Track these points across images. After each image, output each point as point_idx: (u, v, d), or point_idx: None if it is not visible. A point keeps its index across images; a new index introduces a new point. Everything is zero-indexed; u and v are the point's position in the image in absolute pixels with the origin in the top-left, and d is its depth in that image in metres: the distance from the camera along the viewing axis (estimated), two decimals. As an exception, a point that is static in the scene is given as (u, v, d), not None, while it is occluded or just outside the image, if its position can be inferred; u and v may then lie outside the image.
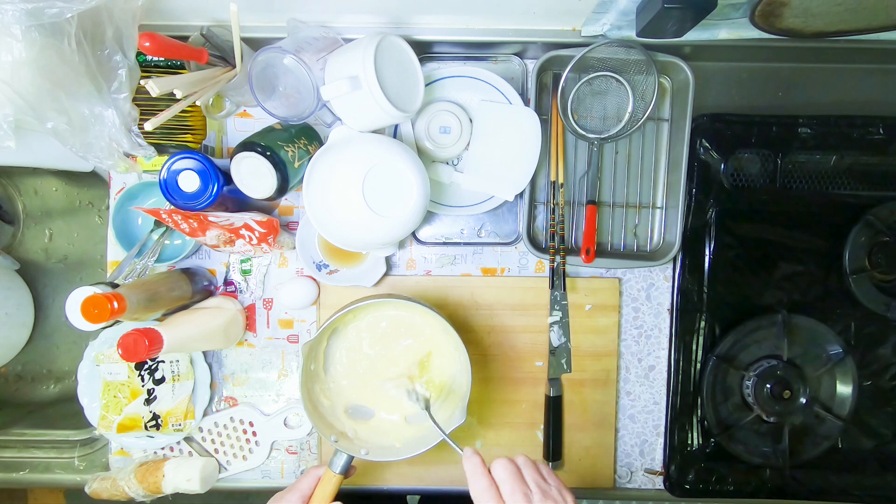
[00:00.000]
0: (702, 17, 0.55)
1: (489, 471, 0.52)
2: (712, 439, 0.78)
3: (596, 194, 0.76)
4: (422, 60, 0.67)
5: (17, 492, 1.57)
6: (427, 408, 0.67)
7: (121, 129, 0.63)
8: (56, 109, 0.59)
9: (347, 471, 0.64)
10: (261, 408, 0.80)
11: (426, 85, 0.70)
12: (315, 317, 0.79)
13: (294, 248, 0.76)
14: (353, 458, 0.64)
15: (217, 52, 0.68)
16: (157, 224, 0.74)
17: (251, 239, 0.70)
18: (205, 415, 0.78)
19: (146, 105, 0.65)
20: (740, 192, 0.76)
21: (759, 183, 0.76)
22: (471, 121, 0.74)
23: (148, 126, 0.60)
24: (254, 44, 0.68)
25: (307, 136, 0.69)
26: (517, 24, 0.70)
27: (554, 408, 0.77)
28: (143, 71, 0.67)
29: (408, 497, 0.90)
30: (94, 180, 0.95)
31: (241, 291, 0.78)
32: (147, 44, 0.57)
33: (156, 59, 0.68)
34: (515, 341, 0.79)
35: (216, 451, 0.79)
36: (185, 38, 0.65)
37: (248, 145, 0.62)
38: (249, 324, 0.79)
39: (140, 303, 0.62)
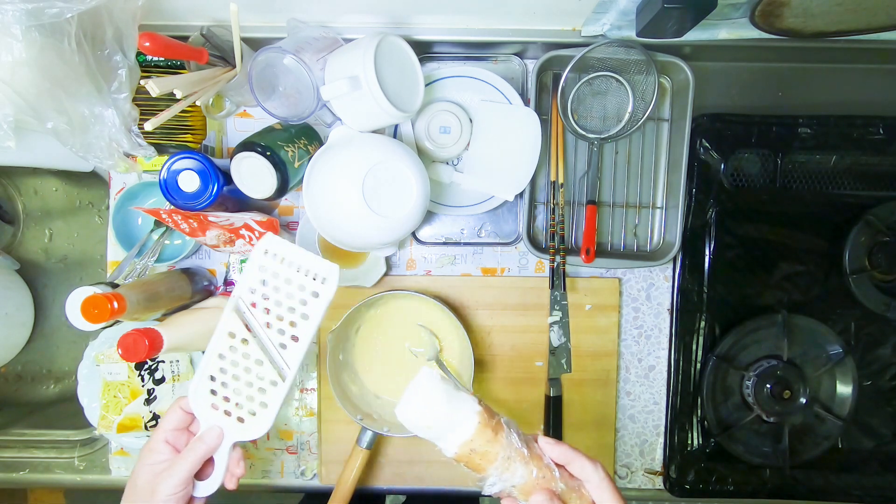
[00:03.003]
0: (702, 17, 0.55)
1: None
2: (712, 439, 0.78)
3: (596, 194, 0.76)
4: (422, 60, 0.67)
5: (17, 492, 1.57)
6: (437, 357, 0.75)
7: (121, 129, 0.63)
8: (56, 109, 0.59)
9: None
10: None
11: (426, 85, 0.70)
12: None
13: (294, 248, 0.75)
14: (377, 434, 0.72)
15: (217, 52, 0.68)
16: (157, 224, 0.74)
17: (251, 239, 0.69)
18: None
19: (146, 105, 0.65)
20: (740, 192, 0.76)
21: (759, 183, 0.76)
22: (471, 121, 0.74)
23: (148, 126, 0.60)
24: (254, 44, 0.68)
25: (307, 136, 0.69)
26: (517, 24, 0.70)
27: (554, 408, 0.77)
28: (143, 71, 0.67)
29: (388, 497, 0.90)
30: (94, 180, 0.95)
31: (241, 291, 0.78)
32: (147, 44, 0.57)
33: (156, 59, 0.68)
34: (515, 341, 0.78)
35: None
36: (185, 38, 0.65)
37: (248, 145, 0.62)
38: (249, 324, 0.79)
39: (140, 303, 0.62)
